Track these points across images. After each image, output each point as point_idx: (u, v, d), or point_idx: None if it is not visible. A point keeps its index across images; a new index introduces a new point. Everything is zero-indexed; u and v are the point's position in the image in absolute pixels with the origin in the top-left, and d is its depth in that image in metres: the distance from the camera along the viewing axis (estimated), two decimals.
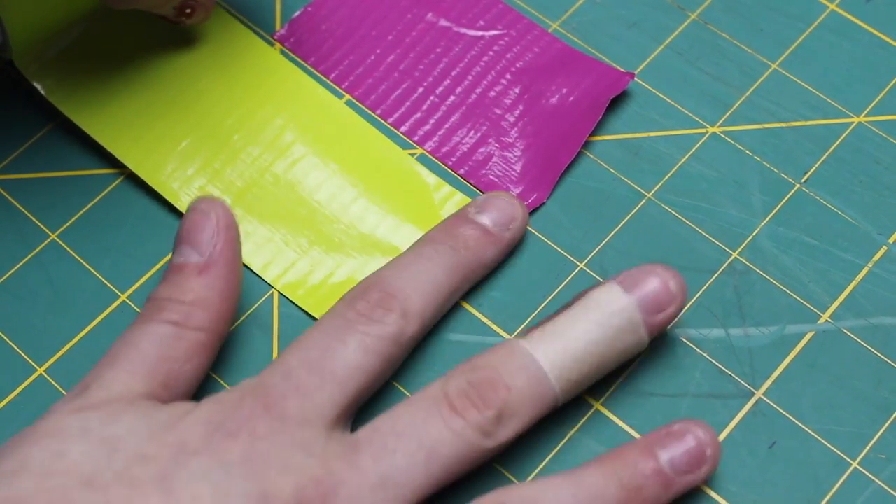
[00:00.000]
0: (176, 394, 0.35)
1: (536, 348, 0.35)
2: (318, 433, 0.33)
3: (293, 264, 0.40)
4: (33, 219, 0.41)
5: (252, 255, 0.40)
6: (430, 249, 0.38)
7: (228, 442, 0.33)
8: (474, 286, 0.39)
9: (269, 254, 0.40)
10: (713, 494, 0.36)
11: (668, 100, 0.43)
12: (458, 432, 0.33)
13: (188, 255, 0.36)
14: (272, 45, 0.44)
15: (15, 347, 0.39)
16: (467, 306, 0.39)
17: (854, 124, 0.42)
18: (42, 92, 0.42)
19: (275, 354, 0.38)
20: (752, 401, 0.37)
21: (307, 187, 0.41)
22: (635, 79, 0.43)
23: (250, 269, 0.40)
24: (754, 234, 0.40)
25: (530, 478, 0.36)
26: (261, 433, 0.33)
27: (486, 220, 0.39)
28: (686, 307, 0.39)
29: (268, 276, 0.40)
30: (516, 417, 0.34)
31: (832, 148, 0.42)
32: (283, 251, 0.40)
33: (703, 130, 0.42)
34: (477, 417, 0.34)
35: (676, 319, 0.38)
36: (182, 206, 0.41)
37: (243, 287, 0.39)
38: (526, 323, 0.39)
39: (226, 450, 0.32)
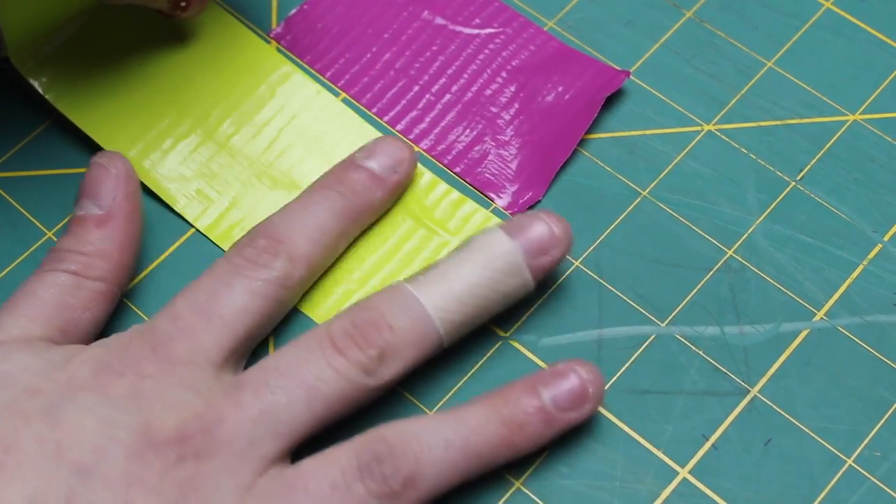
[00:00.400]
0: (73, 340, 0.36)
1: (420, 290, 0.35)
2: (204, 373, 0.34)
3: None
4: (29, 217, 0.41)
5: None
6: (318, 195, 0.38)
7: (115, 379, 0.34)
8: None
9: None
10: (708, 491, 0.36)
11: (663, 98, 0.43)
12: (341, 371, 0.34)
13: (88, 207, 0.37)
14: (268, 42, 0.44)
15: None
16: None
17: (849, 122, 0.42)
18: (38, 88, 0.42)
19: (272, 346, 0.38)
20: (748, 398, 0.37)
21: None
22: (631, 77, 0.43)
23: None
24: (749, 231, 0.40)
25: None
26: (147, 372, 0.34)
27: (373, 164, 0.39)
28: (681, 304, 0.39)
29: None
30: (399, 357, 0.35)
31: (827, 146, 0.42)
32: None
33: (698, 128, 0.42)
34: (359, 356, 0.34)
35: (559, 262, 0.37)
36: (178, 206, 0.40)
37: None
38: (521, 321, 0.39)
39: (113, 386, 0.33)
